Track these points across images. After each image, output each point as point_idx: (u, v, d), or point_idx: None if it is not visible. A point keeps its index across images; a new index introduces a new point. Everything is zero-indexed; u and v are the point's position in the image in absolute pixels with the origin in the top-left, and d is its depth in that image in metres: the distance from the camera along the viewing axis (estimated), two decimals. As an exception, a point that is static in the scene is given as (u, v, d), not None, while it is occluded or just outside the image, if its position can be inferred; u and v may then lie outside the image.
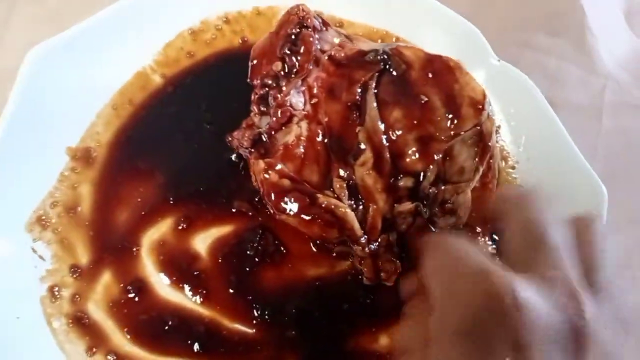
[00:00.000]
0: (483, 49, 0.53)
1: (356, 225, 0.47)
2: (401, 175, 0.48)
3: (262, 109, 0.50)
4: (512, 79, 0.53)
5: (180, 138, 0.53)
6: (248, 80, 0.51)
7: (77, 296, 0.47)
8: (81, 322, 0.47)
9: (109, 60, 0.53)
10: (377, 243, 0.48)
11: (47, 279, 0.47)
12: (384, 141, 0.48)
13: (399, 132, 0.48)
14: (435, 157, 0.48)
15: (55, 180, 0.50)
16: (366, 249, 0.47)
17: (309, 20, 0.50)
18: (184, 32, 0.55)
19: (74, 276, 0.48)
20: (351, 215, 0.46)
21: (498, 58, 0.54)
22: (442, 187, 0.49)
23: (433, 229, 0.50)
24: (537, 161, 0.54)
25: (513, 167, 0.54)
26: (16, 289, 0.46)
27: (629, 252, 0.58)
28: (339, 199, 0.47)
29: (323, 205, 0.46)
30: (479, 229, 0.51)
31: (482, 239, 0.51)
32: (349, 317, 0.49)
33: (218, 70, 0.55)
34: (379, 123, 0.48)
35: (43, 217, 0.48)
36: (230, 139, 0.51)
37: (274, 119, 0.49)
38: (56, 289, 0.47)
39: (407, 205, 0.49)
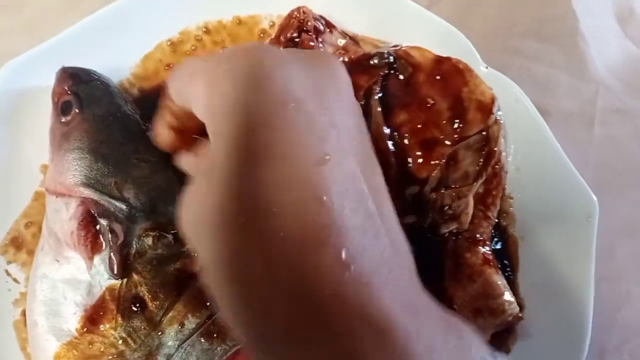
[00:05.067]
0: (471, 55, 0.52)
1: None
2: (408, 182, 0.47)
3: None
4: (501, 87, 0.51)
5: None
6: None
7: (52, 320, 0.46)
8: (57, 347, 0.45)
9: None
10: None
11: (21, 303, 0.46)
12: (390, 146, 0.47)
13: (404, 138, 0.47)
14: (439, 162, 0.47)
15: (30, 199, 0.48)
16: None
17: (309, 24, 0.48)
18: (163, 43, 0.53)
19: (49, 299, 0.47)
20: None
21: (486, 65, 0.52)
22: (444, 192, 0.48)
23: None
24: (527, 171, 0.52)
25: (504, 179, 0.53)
26: (-12, 314, 0.45)
27: (621, 265, 0.57)
28: None
29: None
30: (479, 236, 0.50)
31: (483, 248, 0.50)
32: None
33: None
34: (384, 129, 0.47)
35: (17, 238, 0.47)
36: None
37: None
38: (31, 312, 0.46)
39: (412, 219, 0.48)
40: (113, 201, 0.43)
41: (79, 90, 0.46)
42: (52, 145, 0.46)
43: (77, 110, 0.45)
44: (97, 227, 0.42)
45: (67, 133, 0.45)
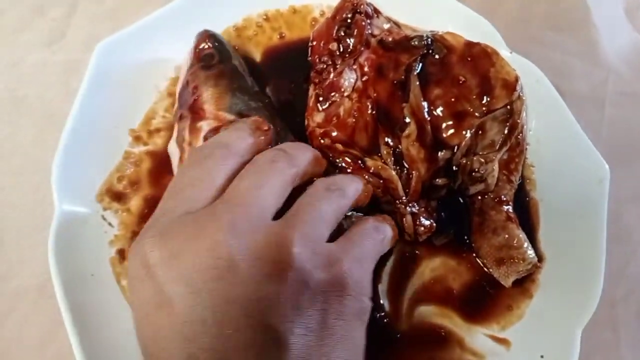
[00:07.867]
0: (497, 42, 0.58)
1: (399, 185, 0.52)
2: (441, 148, 0.54)
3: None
4: (523, 70, 0.58)
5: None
6: (308, 58, 0.58)
7: (140, 259, 0.53)
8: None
9: (164, 53, 0.59)
10: (418, 204, 0.54)
11: (115, 243, 0.53)
12: (426, 116, 0.54)
13: (439, 109, 0.54)
14: (469, 131, 0.54)
15: (121, 157, 0.56)
16: (407, 207, 0.53)
17: (362, 7, 0.57)
18: (229, 28, 0.61)
19: (138, 241, 0.54)
20: (395, 177, 0.53)
21: (510, 51, 0.59)
22: (473, 158, 0.55)
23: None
24: (546, 142, 0.58)
25: (525, 148, 0.59)
26: (90, 250, 0.52)
27: (629, 228, 0.63)
28: (385, 163, 0.53)
29: (371, 169, 0.53)
30: (503, 197, 0.57)
31: (507, 206, 0.56)
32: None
33: (260, 64, 0.62)
34: (422, 100, 0.54)
35: (111, 189, 0.55)
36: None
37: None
38: (124, 252, 0.53)
39: (443, 181, 0.55)
40: None
41: (219, 47, 0.57)
42: (191, 85, 0.55)
43: (217, 60, 0.56)
44: None
45: (209, 76, 0.55)
